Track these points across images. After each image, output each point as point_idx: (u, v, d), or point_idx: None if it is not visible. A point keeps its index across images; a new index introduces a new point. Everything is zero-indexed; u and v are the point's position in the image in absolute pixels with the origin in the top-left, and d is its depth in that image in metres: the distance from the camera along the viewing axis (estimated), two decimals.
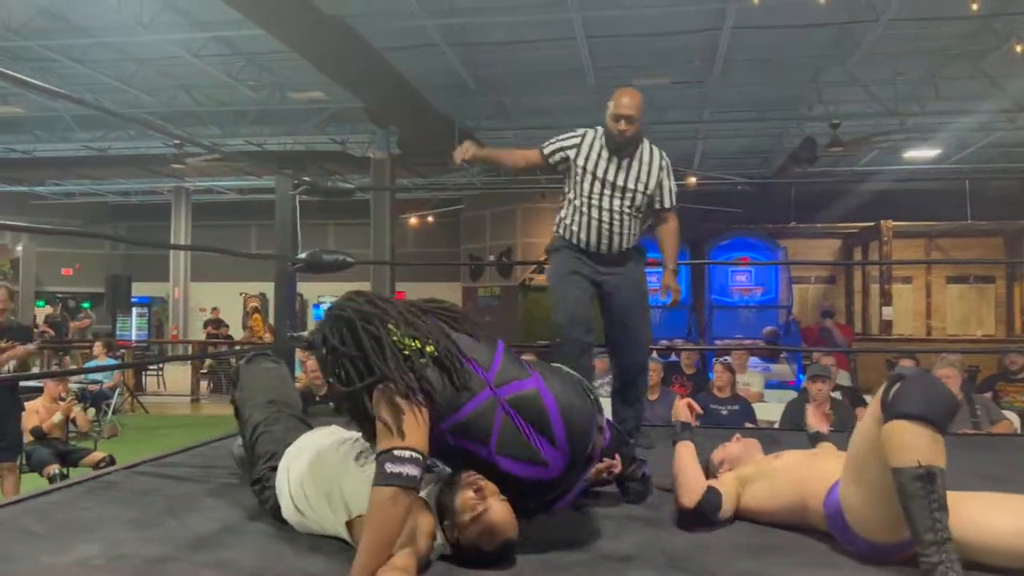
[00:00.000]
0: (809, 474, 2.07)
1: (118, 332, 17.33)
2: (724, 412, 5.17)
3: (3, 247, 16.79)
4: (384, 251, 10.70)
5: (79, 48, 8.93)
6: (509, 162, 3.62)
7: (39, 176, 14.20)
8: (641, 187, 3.22)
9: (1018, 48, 8.04)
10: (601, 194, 3.22)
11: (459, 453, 1.86)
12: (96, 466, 5.22)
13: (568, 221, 3.31)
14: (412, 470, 1.66)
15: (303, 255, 3.57)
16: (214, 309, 15.47)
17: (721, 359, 5.69)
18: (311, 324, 17.96)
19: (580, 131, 3.35)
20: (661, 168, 3.26)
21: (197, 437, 3.46)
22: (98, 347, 9.05)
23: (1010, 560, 1.73)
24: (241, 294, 18.20)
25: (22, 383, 5.59)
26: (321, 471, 1.96)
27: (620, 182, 3.21)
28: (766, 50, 8.79)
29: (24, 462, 5.31)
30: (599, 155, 3.23)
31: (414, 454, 1.68)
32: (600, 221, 3.22)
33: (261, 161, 11.62)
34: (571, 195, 3.31)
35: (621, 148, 3.20)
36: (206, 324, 15.15)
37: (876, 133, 10.72)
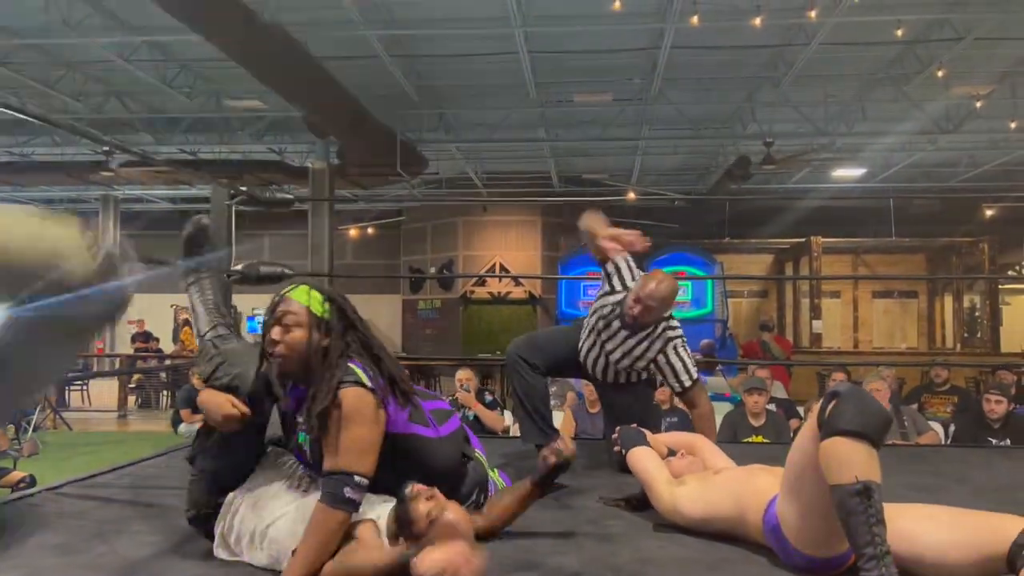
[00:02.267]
0: (746, 488, 2.10)
1: None
2: (664, 424, 5.23)
3: None
4: (322, 263, 10.53)
5: (1, 50, 8.58)
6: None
7: None
8: (624, 360, 3.10)
9: (939, 73, 8.43)
10: (597, 343, 3.13)
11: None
12: (15, 486, 4.97)
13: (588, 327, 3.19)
14: (360, 497, 1.76)
15: (239, 266, 3.47)
16: (139, 321, 14.92)
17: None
18: (246, 336, 17.50)
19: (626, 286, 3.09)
20: (658, 356, 3.05)
21: (125, 455, 3.33)
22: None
23: (941, 571, 1.78)
24: (172, 306, 17.67)
25: None
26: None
27: (610, 348, 3.10)
28: (703, 70, 9.00)
29: None
30: (614, 316, 3.05)
31: (365, 481, 1.76)
32: (593, 359, 3.17)
33: (196, 170, 11.32)
34: (591, 311, 3.17)
35: (630, 328, 3.01)
36: (134, 338, 14.61)
37: (807, 152, 11.06)
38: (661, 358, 3.03)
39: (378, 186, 13.17)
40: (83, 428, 10.19)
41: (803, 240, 13.66)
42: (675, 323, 3.10)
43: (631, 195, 12.50)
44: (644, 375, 3.22)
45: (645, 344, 3.05)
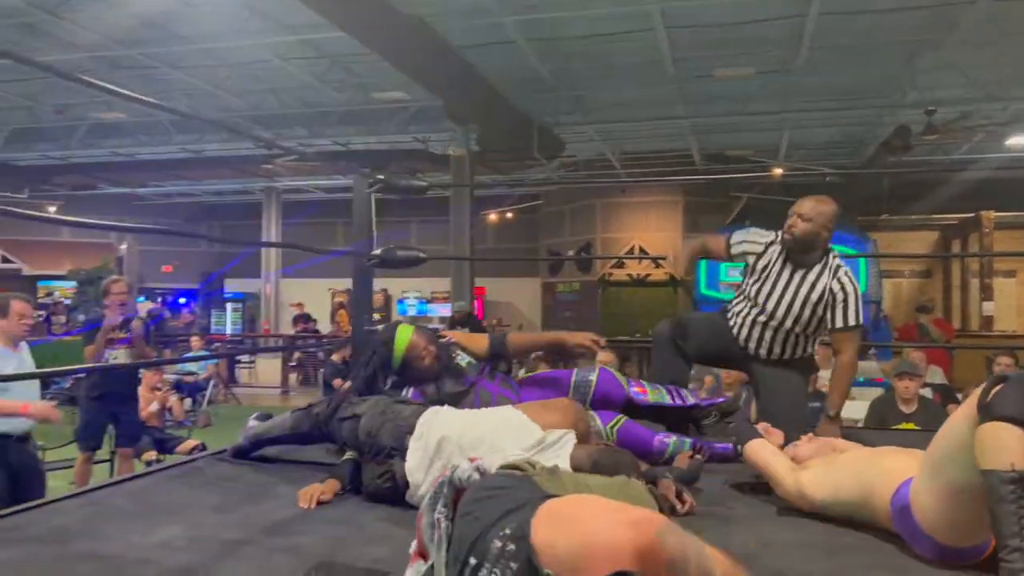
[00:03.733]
0: (874, 470, 2.01)
1: (213, 326, 18.16)
2: None
3: (109, 245, 17.78)
4: (464, 247, 10.82)
5: (175, 55, 9.36)
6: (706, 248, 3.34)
7: (141, 178, 14.97)
8: (791, 312, 2.95)
9: None
10: (755, 306, 3.04)
11: None
12: (190, 453, 5.49)
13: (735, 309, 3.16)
14: None
15: (378, 251, 3.66)
16: (298, 304, 15.98)
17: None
18: (396, 318, 18.36)
19: (771, 233, 3.09)
20: (831, 284, 2.91)
21: None
22: (195, 341, 9.50)
23: None
24: (329, 290, 18.78)
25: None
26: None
27: (777, 303, 2.98)
28: (855, 36, 8.47)
29: None
30: (773, 266, 3.00)
31: None
32: (745, 327, 3.08)
33: (346, 161, 11.92)
34: (743, 287, 3.14)
35: (792, 254, 2.93)
36: (295, 320, 15.66)
37: (975, 119, 10.18)
38: (836, 286, 2.90)
39: (517, 171, 13.33)
40: (250, 402, 11.06)
41: (972, 215, 12.60)
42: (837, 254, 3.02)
43: (777, 172, 11.98)
44: (806, 347, 3.07)
45: (813, 278, 2.91)
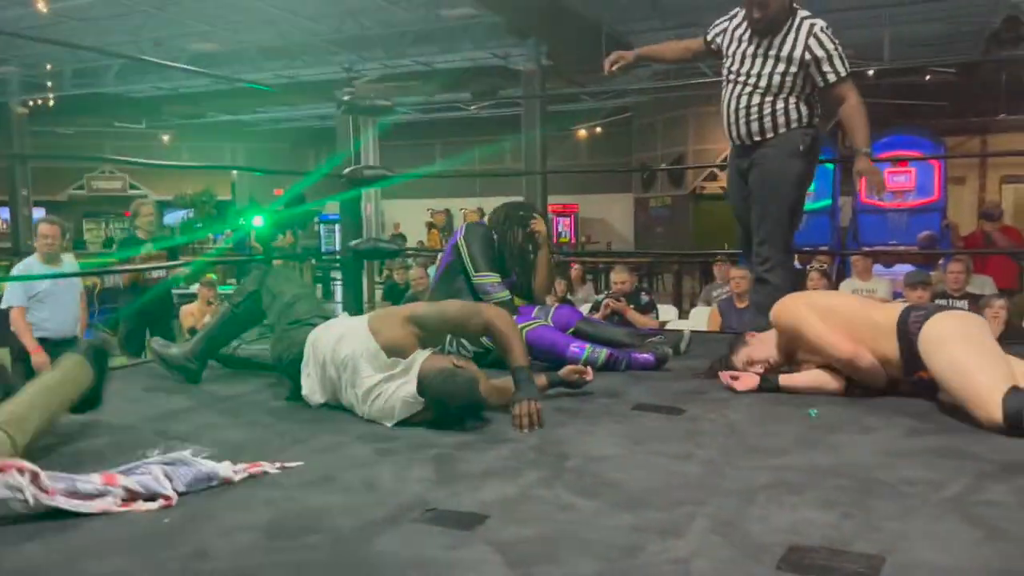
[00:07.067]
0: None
1: (324, 246, 19.15)
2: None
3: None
4: (535, 163, 10.83)
5: None
6: (668, 54, 3.59)
7: (242, 105, 15.69)
8: (776, 68, 2.97)
9: None
10: (735, 80, 3.05)
11: None
12: None
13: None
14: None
15: (346, 171, 3.85)
16: (396, 225, 16.55)
17: (817, 266, 5.37)
18: None
19: (736, 10, 3.14)
20: (808, 42, 2.92)
21: None
22: (277, 262, 10.15)
23: None
24: (428, 210, 19.28)
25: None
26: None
27: (750, 65, 3.01)
28: None
29: None
30: (741, 36, 3.05)
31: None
32: (731, 108, 3.08)
33: (425, 81, 12.07)
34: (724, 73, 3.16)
35: (762, 31, 2.99)
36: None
37: None
38: (813, 42, 2.93)
39: (594, 83, 13.03)
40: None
41: None
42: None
43: (871, 72, 11.13)
44: (791, 115, 3.01)
45: (789, 42, 2.95)
